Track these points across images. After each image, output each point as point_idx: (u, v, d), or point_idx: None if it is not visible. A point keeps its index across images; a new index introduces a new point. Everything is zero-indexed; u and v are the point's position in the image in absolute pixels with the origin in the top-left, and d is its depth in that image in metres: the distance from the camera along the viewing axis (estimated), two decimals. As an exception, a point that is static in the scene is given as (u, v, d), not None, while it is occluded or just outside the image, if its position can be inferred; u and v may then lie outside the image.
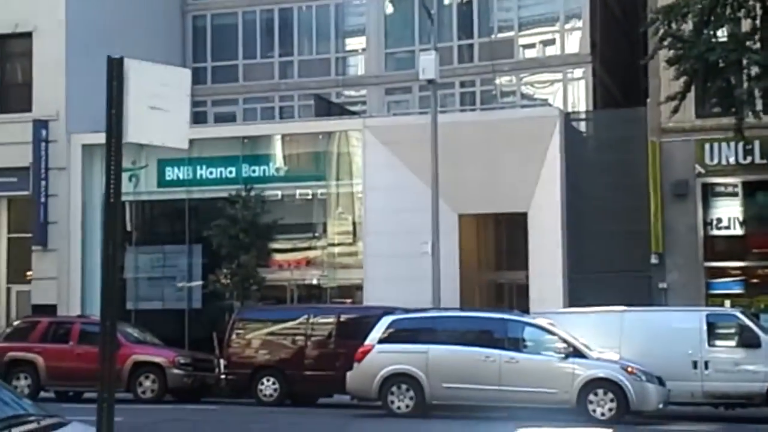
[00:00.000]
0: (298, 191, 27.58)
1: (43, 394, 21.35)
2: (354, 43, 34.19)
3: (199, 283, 27.66)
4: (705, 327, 17.94)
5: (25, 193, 28.37)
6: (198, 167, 27.92)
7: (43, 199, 28.25)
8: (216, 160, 27.88)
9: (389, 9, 33.52)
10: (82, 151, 28.23)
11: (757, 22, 20.31)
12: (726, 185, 24.23)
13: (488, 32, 31.82)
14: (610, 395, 16.15)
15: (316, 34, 33.93)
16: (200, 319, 27.36)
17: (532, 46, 31.87)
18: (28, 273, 28.70)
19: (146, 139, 6.79)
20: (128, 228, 28.46)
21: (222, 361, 21.62)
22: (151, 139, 6.83)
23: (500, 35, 31.83)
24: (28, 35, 28.82)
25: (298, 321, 21.24)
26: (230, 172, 27.70)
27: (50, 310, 27.02)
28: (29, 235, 28.52)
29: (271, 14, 34.38)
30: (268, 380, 20.32)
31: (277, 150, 28.24)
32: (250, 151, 27.87)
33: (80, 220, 28.27)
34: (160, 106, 6.69)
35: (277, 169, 27.80)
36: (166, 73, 6.86)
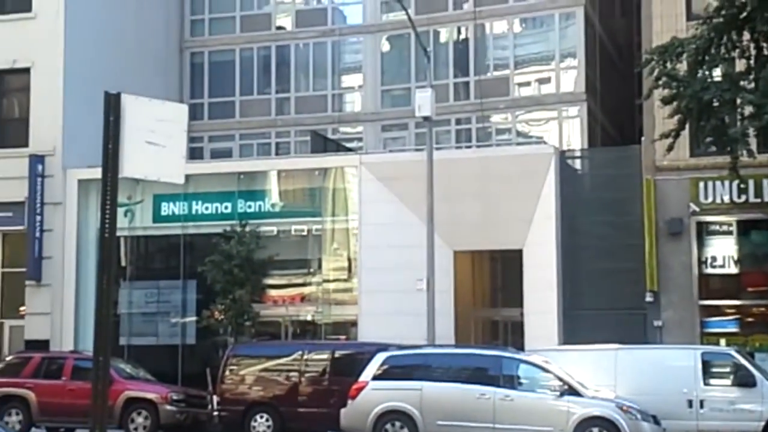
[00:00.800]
0: (293, 227, 27.57)
1: (34, 430, 21.20)
2: (350, 80, 34.36)
3: (193, 318, 27.55)
4: (700, 365, 17.92)
5: (20, 227, 28.32)
6: (194, 203, 27.90)
7: (37, 234, 28.19)
8: (212, 196, 27.87)
9: (386, 47, 33.72)
10: (78, 186, 28.22)
11: (751, 62, 20.41)
12: (720, 224, 24.25)
13: (484, 70, 32.03)
14: (605, 434, 16.09)
15: (313, 71, 34.10)
16: (194, 354, 27.22)
17: (527, 84, 32.04)
18: (22, 308, 28.57)
19: (142, 174, 6.80)
20: (123, 263, 28.38)
21: (215, 398, 21.49)
22: (147, 174, 6.85)
23: (496, 73, 32.04)
24: (26, 71, 28.91)
25: (292, 357, 21.12)
26: (226, 208, 27.67)
27: (43, 345, 26.88)
28: (23, 269, 28.44)
29: (269, 51, 34.57)
30: (261, 417, 20.18)
31: (273, 186, 28.27)
32: (246, 187, 27.88)
33: (75, 255, 28.18)
34: (157, 141, 6.71)
35: (273, 205, 27.80)
36: (162, 108, 6.90)
